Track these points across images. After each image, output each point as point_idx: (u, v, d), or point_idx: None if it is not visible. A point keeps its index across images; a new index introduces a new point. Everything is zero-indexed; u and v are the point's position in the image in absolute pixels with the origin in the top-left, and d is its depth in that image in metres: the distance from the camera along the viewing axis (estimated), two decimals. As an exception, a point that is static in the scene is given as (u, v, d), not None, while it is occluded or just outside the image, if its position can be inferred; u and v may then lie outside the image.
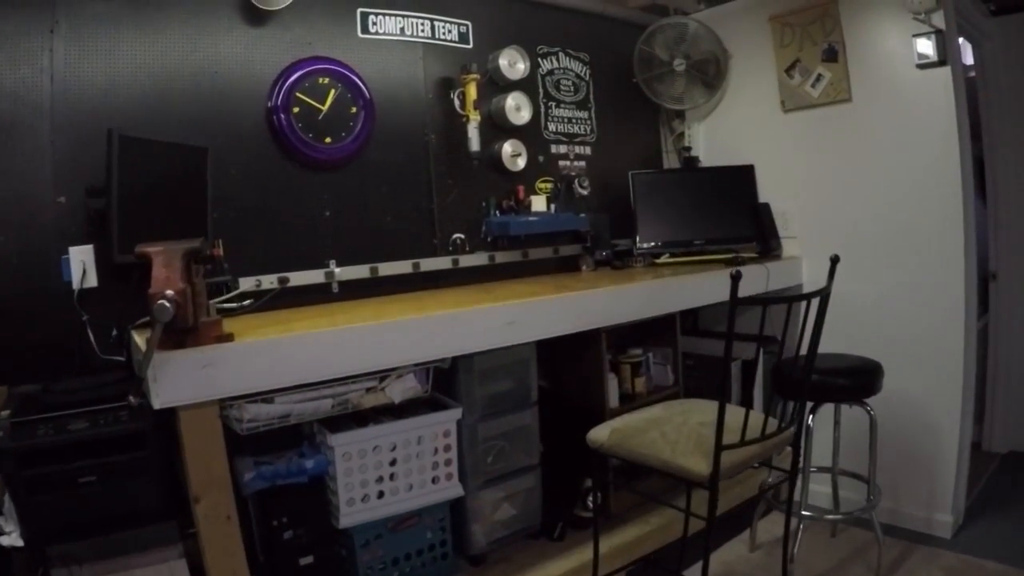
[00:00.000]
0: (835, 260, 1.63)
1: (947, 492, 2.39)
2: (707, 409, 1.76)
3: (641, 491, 2.12)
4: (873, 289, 2.51)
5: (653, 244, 2.73)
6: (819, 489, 2.48)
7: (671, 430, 1.65)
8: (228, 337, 1.41)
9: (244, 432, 1.57)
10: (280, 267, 2.04)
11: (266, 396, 1.54)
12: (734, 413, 1.56)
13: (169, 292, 1.25)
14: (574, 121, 2.78)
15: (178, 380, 1.33)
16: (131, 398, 1.26)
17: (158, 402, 1.32)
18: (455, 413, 1.91)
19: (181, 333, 1.33)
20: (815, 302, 1.59)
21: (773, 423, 1.61)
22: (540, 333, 1.85)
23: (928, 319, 2.39)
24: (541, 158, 2.66)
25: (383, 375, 1.70)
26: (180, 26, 1.91)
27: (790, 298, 1.52)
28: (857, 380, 2.06)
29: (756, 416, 1.63)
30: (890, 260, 2.47)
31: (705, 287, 2.29)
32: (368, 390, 1.68)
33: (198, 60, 1.94)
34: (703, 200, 2.75)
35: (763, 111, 2.76)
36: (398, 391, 1.73)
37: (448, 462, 1.92)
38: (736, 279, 1.38)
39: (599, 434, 1.73)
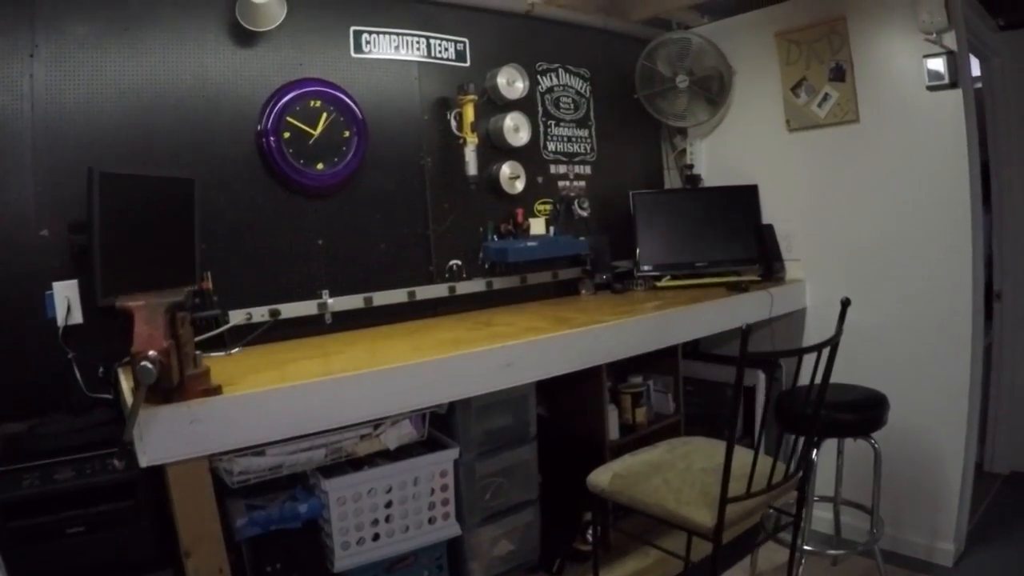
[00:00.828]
0: (846, 303, 1.58)
1: (950, 520, 2.35)
2: (710, 452, 1.72)
3: (639, 534, 2.08)
4: (877, 314, 2.46)
5: (654, 266, 2.68)
6: (821, 515, 2.45)
7: (674, 477, 1.61)
8: (216, 390, 1.36)
9: (235, 485, 1.53)
10: (271, 298, 1.98)
11: (257, 449, 1.49)
12: (739, 458, 1.51)
13: (152, 353, 1.20)
14: (574, 140, 2.71)
15: (165, 437, 1.28)
16: (116, 462, 1.22)
17: (145, 460, 1.27)
18: (452, 453, 1.87)
19: (167, 390, 1.28)
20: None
21: (780, 469, 1.57)
22: (539, 374, 1.80)
23: (933, 345, 2.35)
24: (540, 179, 2.60)
25: (378, 422, 1.65)
26: (166, 49, 1.84)
27: (800, 350, 1.47)
28: (862, 415, 2.02)
29: (763, 461, 1.58)
30: (895, 284, 2.42)
31: (708, 316, 2.23)
32: (363, 437, 1.63)
33: (185, 83, 1.87)
34: (705, 221, 2.70)
35: (767, 130, 2.69)
36: (394, 438, 1.68)
37: (445, 502, 1.87)
38: (746, 334, 1.33)
39: (599, 478, 1.69)
